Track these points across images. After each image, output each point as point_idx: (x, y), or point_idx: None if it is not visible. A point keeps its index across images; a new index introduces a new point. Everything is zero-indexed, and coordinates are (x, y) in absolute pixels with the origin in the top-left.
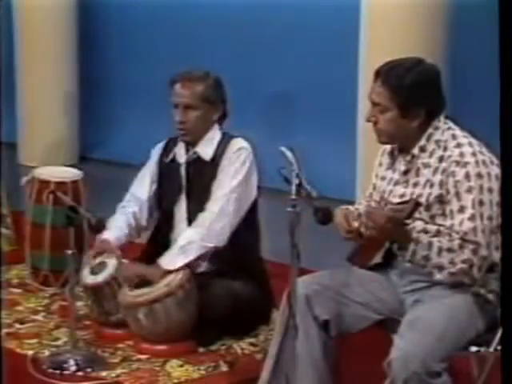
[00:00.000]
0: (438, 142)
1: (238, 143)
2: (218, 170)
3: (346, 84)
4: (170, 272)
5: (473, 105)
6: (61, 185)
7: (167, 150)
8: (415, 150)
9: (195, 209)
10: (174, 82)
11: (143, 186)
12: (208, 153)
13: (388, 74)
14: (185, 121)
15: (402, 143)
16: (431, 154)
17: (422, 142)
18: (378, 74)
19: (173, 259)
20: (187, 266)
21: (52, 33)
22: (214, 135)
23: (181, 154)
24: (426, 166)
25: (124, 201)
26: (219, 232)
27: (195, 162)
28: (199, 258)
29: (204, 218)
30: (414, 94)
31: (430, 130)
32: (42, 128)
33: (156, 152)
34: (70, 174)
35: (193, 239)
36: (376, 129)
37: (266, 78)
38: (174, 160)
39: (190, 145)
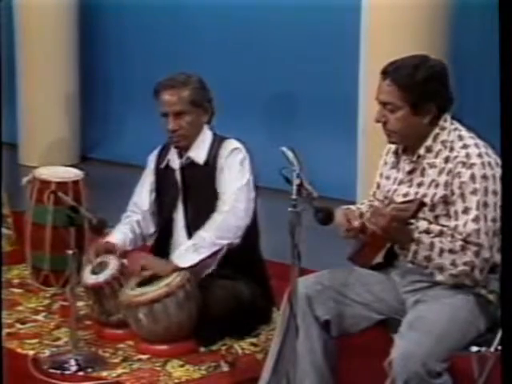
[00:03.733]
0: (444, 142)
1: (231, 144)
2: (215, 172)
3: (346, 84)
4: (179, 269)
5: (473, 105)
6: (61, 185)
7: (161, 156)
8: (421, 150)
9: (193, 213)
10: (158, 91)
11: (143, 195)
12: (201, 156)
13: (397, 72)
14: (177, 128)
15: (411, 143)
16: (437, 155)
17: (429, 142)
18: (385, 73)
19: (185, 256)
20: (198, 264)
21: (52, 33)
22: (205, 137)
23: (174, 159)
24: (432, 166)
25: (128, 210)
26: (232, 229)
27: (189, 167)
28: (211, 257)
29: (215, 216)
30: (426, 90)
31: (436, 131)
32: (42, 128)
33: (151, 159)
34: (71, 174)
35: (205, 236)
36: (386, 129)
37: (267, 78)
38: (168, 166)
39: (183, 150)
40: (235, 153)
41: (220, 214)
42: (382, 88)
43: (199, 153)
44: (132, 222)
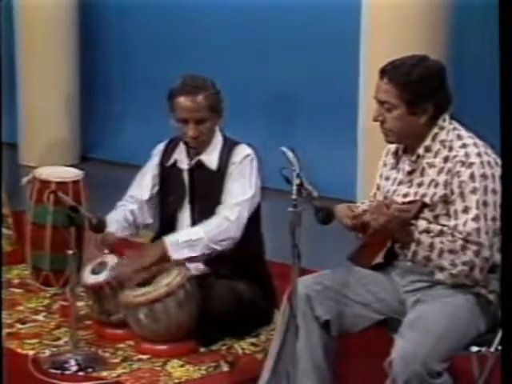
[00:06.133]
0: (443, 142)
1: (243, 150)
2: (225, 178)
3: (346, 84)
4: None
5: (473, 105)
6: (61, 185)
7: (167, 152)
8: (420, 150)
9: (199, 217)
10: (174, 96)
11: (143, 187)
12: (212, 161)
13: (394, 71)
14: (199, 135)
15: (409, 142)
16: (436, 154)
17: (428, 141)
18: (383, 72)
19: (179, 249)
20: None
21: (52, 33)
22: (217, 140)
23: (182, 159)
24: (431, 165)
25: (123, 200)
26: (228, 239)
27: (199, 169)
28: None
29: (220, 221)
30: (422, 89)
31: (435, 130)
32: (42, 128)
33: (156, 154)
34: (71, 173)
35: (203, 237)
36: (383, 128)
37: (267, 79)
38: (174, 165)
39: (193, 150)
40: (246, 161)
41: (225, 221)
42: (379, 86)
43: (211, 157)
44: (126, 209)
